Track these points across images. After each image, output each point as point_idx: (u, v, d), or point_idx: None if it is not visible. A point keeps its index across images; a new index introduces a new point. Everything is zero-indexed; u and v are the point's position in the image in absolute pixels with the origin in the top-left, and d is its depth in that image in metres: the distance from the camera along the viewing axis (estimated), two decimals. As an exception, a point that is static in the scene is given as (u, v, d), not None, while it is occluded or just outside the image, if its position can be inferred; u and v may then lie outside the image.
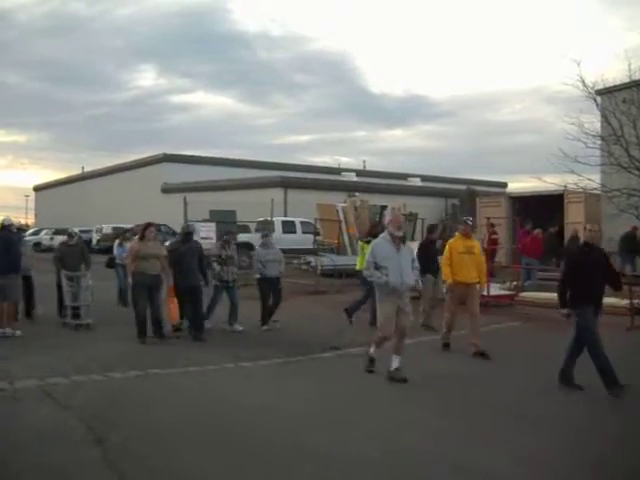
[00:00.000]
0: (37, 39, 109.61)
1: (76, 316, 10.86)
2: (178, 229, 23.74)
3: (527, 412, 6.18)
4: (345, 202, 25.26)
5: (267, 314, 11.12)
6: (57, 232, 42.53)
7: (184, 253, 10.32)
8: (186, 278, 10.09)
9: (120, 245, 14.31)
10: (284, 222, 27.91)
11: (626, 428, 5.82)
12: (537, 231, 18.30)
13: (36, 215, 67.62)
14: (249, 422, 5.72)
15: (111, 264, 14.72)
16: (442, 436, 5.43)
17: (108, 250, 16.27)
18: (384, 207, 24.41)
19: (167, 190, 43.63)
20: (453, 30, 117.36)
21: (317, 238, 23.86)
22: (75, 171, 66.86)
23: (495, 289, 14.62)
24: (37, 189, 70.49)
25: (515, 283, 15.39)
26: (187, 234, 10.88)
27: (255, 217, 26.87)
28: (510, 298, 14.53)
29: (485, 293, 13.82)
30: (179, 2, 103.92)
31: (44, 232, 43.83)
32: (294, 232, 27.24)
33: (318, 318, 12.56)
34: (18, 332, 9.84)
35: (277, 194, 32.17)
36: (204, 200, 27.95)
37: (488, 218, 20.95)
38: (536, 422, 5.83)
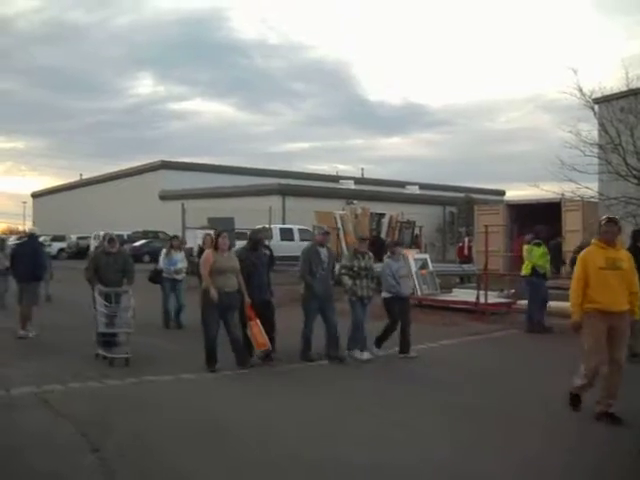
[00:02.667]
0: (36, 47, 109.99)
1: (110, 344, 8.53)
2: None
3: (527, 418, 6.16)
4: (343, 210, 25.26)
5: (385, 337, 9.30)
6: (55, 239, 42.59)
7: (255, 264, 8.89)
8: (259, 292, 8.70)
9: (168, 255, 12.26)
10: (282, 229, 27.93)
11: (627, 434, 5.80)
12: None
13: (34, 222, 67.51)
14: (245, 429, 5.71)
15: (156, 278, 12.35)
16: (441, 442, 5.42)
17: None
18: (382, 215, 24.42)
19: (165, 197, 43.63)
20: (450, 39, 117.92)
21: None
22: (73, 178, 66.90)
23: (492, 297, 14.62)
24: (35, 196, 70.45)
25: (513, 291, 15.37)
26: (257, 241, 9.33)
27: (253, 224, 26.67)
28: (508, 306, 14.52)
29: (482, 301, 13.87)
30: (177, 10, 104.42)
31: (42, 239, 43.79)
32: (292, 239, 27.26)
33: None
34: (32, 334, 10.47)
35: (275, 201, 32.23)
36: (202, 207, 27.93)
37: (486, 226, 20.97)
38: (535, 428, 5.82)
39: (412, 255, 17.65)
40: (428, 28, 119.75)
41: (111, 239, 9.52)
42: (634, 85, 16.66)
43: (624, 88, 16.96)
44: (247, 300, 8.41)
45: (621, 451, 5.34)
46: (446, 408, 6.51)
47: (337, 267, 9.64)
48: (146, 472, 4.67)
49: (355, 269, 9.09)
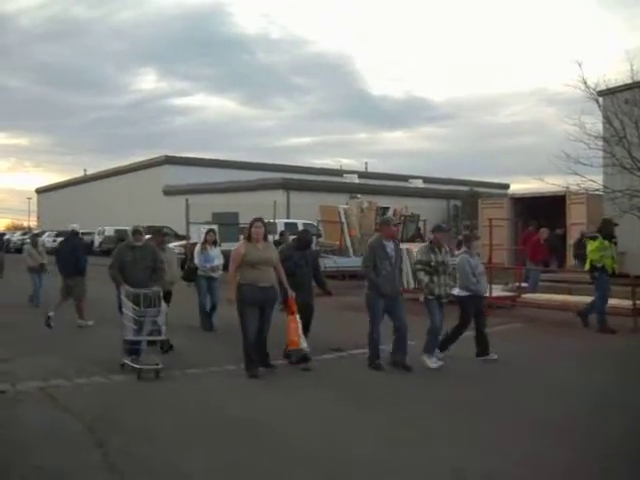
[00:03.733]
0: (39, 43, 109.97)
1: (138, 353, 7.60)
2: (180, 231, 23.83)
3: (528, 414, 6.16)
4: (347, 204, 25.25)
5: (453, 340, 8.68)
6: (59, 234, 42.68)
7: (298, 263, 8.42)
8: (301, 294, 8.11)
9: (203, 250, 11.32)
10: (286, 224, 27.91)
11: (629, 430, 5.79)
12: (543, 230, 18.15)
13: (38, 217, 67.66)
14: (249, 425, 5.70)
15: (190, 276, 11.51)
16: (442, 437, 5.41)
17: (110, 252, 14.85)
18: (386, 209, 24.41)
19: (169, 192, 43.64)
20: (453, 32, 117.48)
21: (319, 240, 23.86)
22: (77, 174, 67.01)
23: (497, 290, 14.60)
24: (39, 191, 70.54)
25: (517, 284, 15.35)
26: (307, 243, 8.83)
27: (257, 219, 26.85)
28: (512, 299, 14.51)
29: (487, 294, 13.84)
30: (179, 5, 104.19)
31: (46, 234, 43.89)
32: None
33: (321, 319, 12.52)
34: (90, 322, 11.22)
35: (279, 196, 32.18)
36: (206, 202, 27.97)
37: (490, 219, 20.94)
38: (538, 423, 5.81)
39: (416, 249, 17.63)
40: (431, 21, 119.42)
41: (136, 231, 8.36)
42: (638, 77, 16.58)
43: (628, 80, 16.89)
44: (291, 293, 7.85)
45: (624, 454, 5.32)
46: (450, 403, 6.50)
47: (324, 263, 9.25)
48: (152, 469, 4.67)
49: (433, 264, 8.22)
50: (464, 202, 38.37)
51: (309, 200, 30.16)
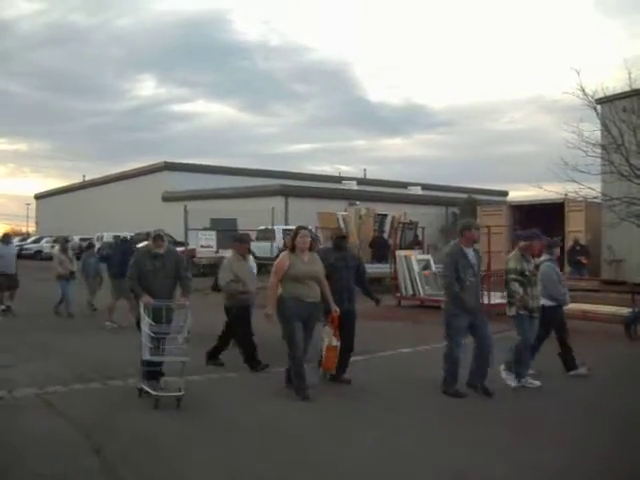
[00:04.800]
0: (38, 49, 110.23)
1: (156, 376, 6.66)
2: (179, 238, 23.86)
3: (525, 420, 6.15)
4: (346, 210, 25.25)
5: (570, 355, 8.14)
6: (57, 240, 42.71)
7: (337, 266, 7.68)
8: (340, 300, 7.39)
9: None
10: (285, 230, 27.90)
11: (625, 435, 5.79)
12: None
13: (37, 223, 67.68)
14: (248, 432, 5.70)
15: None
16: (442, 444, 5.41)
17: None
18: (385, 216, 24.41)
19: (168, 198, 43.65)
20: (451, 39, 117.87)
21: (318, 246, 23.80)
22: (76, 179, 67.04)
23: (495, 298, 14.58)
24: (38, 197, 70.56)
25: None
26: (341, 238, 8.17)
27: (256, 225, 26.87)
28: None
29: (486, 301, 13.82)
30: (178, 12, 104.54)
31: (44, 240, 43.89)
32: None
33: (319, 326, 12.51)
34: (116, 325, 11.96)
35: (278, 202, 32.19)
36: (205, 208, 27.96)
37: (489, 227, 20.95)
38: (536, 429, 5.81)
39: (414, 256, 17.68)
40: (429, 29, 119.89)
41: (158, 236, 7.36)
42: (636, 85, 16.63)
43: (627, 88, 16.93)
44: (335, 309, 7.13)
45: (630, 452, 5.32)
46: (449, 410, 6.49)
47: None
48: (150, 475, 4.66)
49: (527, 273, 7.51)
50: (463, 209, 38.32)
51: (308, 206, 30.14)
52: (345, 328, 7.44)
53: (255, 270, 9.98)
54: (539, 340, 7.96)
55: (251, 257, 10.10)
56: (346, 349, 7.58)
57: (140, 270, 7.21)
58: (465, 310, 7.02)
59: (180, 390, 6.35)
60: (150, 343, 6.58)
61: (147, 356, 6.56)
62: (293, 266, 6.84)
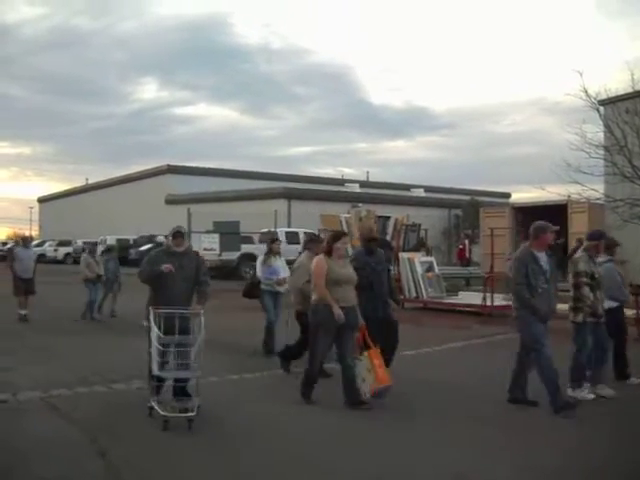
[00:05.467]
0: (41, 53, 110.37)
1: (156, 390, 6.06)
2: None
3: (526, 422, 6.14)
4: (349, 213, 25.27)
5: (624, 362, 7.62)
6: (61, 244, 42.72)
7: (376, 269, 7.25)
8: (375, 307, 7.03)
9: (267, 261, 9.86)
10: (288, 233, 27.94)
11: (624, 437, 5.78)
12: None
13: (40, 227, 67.80)
14: (251, 434, 5.70)
15: (254, 292, 10.06)
16: (442, 447, 5.40)
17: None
18: (387, 218, 24.41)
19: (171, 201, 43.75)
20: (453, 42, 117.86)
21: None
22: (79, 183, 67.18)
23: (498, 299, 14.59)
24: (41, 201, 70.71)
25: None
26: (372, 241, 7.63)
27: (259, 228, 26.92)
28: (512, 309, 14.46)
29: (489, 303, 13.85)
30: (180, 16, 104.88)
31: (48, 244, 43.94)
32: (298, 243, 27.25)
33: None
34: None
35: (281, 205, 32.26)
36: (208, 211, 28.01)
37: (491, 229, 20.93)
38: (535, 431, 5.80)
39: (417, 258, 17.68)
40: (431, 31, 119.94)
41: (178, 232, 6.65)
42: (639, 87, 16.62)
43: (629, 90, 16.93)
44: (361, 322, 6.73)
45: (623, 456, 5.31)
46: (448, 413, 6.49)
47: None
48: (154, 478, 4.66)
49: (596, 276, 7.01)
50: (465, 211, 38.41)
51: (310, 209, 30.18)
52: (388, 337, 7.04)
53: (286, 272, 9.75)
54: (606, 348, 7.23)
55: (282, 258, 10.07)
56: (389, 358, 7.13)
57: (153, 268, 6.49)
58: (538, 318, 6.54)
59: (192, 410, 5.72)
60: (159, 357, 5.98)
61: (156, 371, 5.95)
62: (332, 270, 6.59)
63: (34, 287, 13.53)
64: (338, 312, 6.37)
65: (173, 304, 6.21)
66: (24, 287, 13.21)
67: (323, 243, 7.56)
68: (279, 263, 9.91)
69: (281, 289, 9.70)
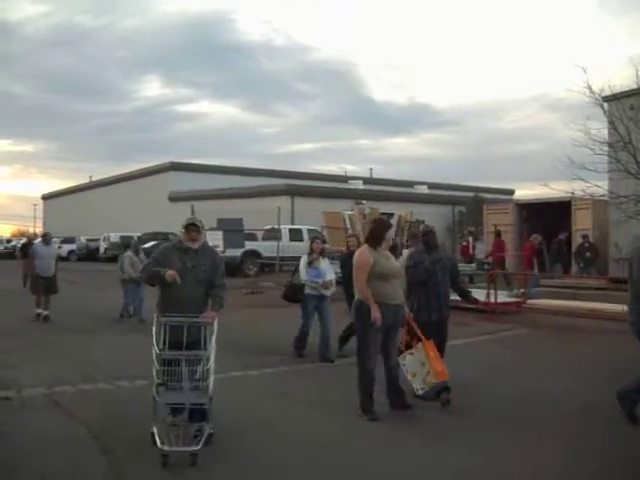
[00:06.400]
0: (44, 51, 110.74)
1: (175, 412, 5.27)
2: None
3: (531, 420, 6.13)
4: (352, 210, 25.26)
5: None
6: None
7: (430, 269, 6.75)
8: (435, 309, 6.68)
9: (312, 262, 9.16)
10: (291, 230, 27.94)
11: (631, 438, 5.76)
12: (534, 236, 18.11)
13: (44, 224, 67.93)
14: (252, 432, 5.70)
15: (296, 295, 9.31)
16: (445, 444, 5.40)
17: (115, 259, 13.56)
18: (390, 215, 24.39)
19: (174, 198, 43.76)
20: (455, 38, 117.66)
21: (324, 246, 23.80)
22: (83, 180, 67.27)
23: (502, 296, 14.59)
24: (45, 198, 70.83)
25: (522, 290, 15.34)
26: (431, 234, 7.07)
27: (262, 225, 26.93)
28: (517, 305, 14.48)
29: (492, 300, 13.83)
30: (183, 13, 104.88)
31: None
32: (301, 240, 27.25)
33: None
34: None
35: (284, 202, 32.24)
36: (211, 208, 28.02)
37: (495, 225, 20.94)
38: (541, 431, 5.79)
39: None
40: (433, 28, 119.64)
41: (191, 224, 5.64)
42: (644, 83, 16.58)
43: (634, 86, 16.89)
44: (408, 312, 6.34)
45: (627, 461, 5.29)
46: (453, 409, 6.48)
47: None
48: (157, 476, 4.66)
49: None
50: (469, 208, 38.34)
51: (314, 206, 30.18)
52: (436, 339, 6.60)
53: (332, 274, 9.24)
54: None
55: (327, 259, 9.52)
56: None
57: (163, 267, 5.42)
58: None
59: (197, 443, 4.78)
60: (159, 377, 5.03)
61: (158, 397, 5.01)
62: (377, 262, 5.97)
63: (57, 286, 13.11)
64: (377, 315, 5.82)
65: (182, 310, 5.24)
66: (44, 286, 12.86)
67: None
68: (324, 264, 9.29)
69: (327, 292, 9.13)
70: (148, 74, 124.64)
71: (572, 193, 18.63)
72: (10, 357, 8.72)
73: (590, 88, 16.34)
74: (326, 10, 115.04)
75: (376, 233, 6.17)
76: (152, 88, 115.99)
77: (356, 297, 6.09)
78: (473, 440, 5.50)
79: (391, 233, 6.20)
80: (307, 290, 9.04)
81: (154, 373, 5.02)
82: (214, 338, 5.17)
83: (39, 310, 12.85)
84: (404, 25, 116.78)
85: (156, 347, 5.05)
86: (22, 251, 22.80)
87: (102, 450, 5.11)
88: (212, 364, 5.04)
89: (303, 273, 9.09)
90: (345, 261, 9.08)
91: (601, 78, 35.50)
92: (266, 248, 25.97)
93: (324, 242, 23.80)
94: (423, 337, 6.34)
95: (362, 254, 6.08)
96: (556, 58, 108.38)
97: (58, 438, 5.40)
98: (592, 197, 18.18)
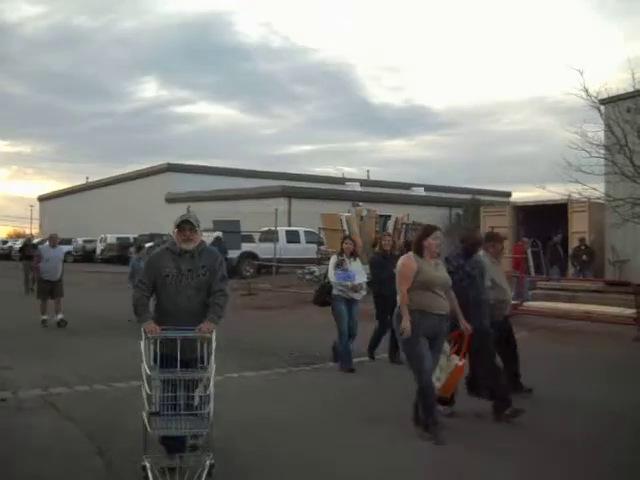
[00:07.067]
0: (42, 52, 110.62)
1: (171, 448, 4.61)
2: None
3: (530, 423, 6.14)
4: (349, 212, 25.29)
5: None
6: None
7: (472, 274, 6.35)
8: (478, 317, 6.21)
9: (341, 264, 8.59)
10: (288, 232, 27.94)
11: (627, 437, 5.77)
12: (523, 239, 18.18)
13: (40, 225, 67.78)
14: (250, 433, 5.69)
15: (325, 298, 8.86)
16: (443, 446, 5.39)
17: (112, 260, 13.10)
18: (387, 217, 24.40)
19: (171, 200, 43.71)
20: (453, 41, 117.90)
21: (321, 248, 23.85)
22: (79, 181, 67.15)
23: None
24: (42, 199, 70.67)
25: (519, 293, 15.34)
26: (476, 245, 6.66)
27: (259, 227, 26.94)
28: (514, 308, 14.46)
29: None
30: (181, 15, 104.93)
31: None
32: (298, 242, 27.27)
33: (321, 328, 12.53)
34: None
35: (281, 204, 32.27)
36: (208, 210, 28.04)
37: (492, 228, 20.93)
38: (540, 434, 5.80)
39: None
40: (431, 30, 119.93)
41: (185, 222, 4.94)
42: (640, 86, 16.58)
43: (630, 89, 16.90)
44: (466, 327, 5.96)
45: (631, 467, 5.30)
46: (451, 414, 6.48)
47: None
48: (154, 477, 4.64)
49: None
50: (466, 210, 38.37)
51: (311, 208, 30.19)
52: (505, 349, 6.59)
53: (363, 277, 8.73)
54: None
55: (358, 260, 8.88)
56: (514, 370, 6.80)
57: (155, 275, 4.82)
58: None
59: (200, 475, 4.23)
60: (150, 405, 4.36)
61: (147, 425, 4.35)
62: (422, 271, 5.65)
63: (62, 290, 12.76)
64: (406, 325, 5.51)
65: (176, 322, 4.61)
66: (49, 290, 12.58)
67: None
68: (355, 266, 8.65)
69: (357, 296, 8.56)
70: (145, 75, 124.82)
71: (569, 196, 18.64)
72: (6, 358, 8.68)
73: (587, 91, 16.32)
74: (324, 12, 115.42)
75: (419, 240, 5.87)
76: (149, 89, 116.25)
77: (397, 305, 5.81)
78: (472, 442, 5.48)
79: (434, 239, 5.75)
80: (335, 291, 8.53)
81: (144, 398, 4.34)
82: (213, 354, 4.46)
83: (45, 317, 12.45)
84: (402, 27, 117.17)
85: (146, 367, 4.34)
86: (21, 252, 22.70)
87: (99, 450, 5.11)
88: (212, 388, 4.36)
89: (331, 274, 8.56)
90: (375, 261, 8.99)
91: (598, 81, 35.65)
92: (263, 250, 25.98)
93: (321, 243, 23.95)
94: (462, 355, 6.10)
95: (406, 262, 5.81)
96: (553, 61, 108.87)
97: (54, 439, 5.40)
98: (589, 200, 18.19)
